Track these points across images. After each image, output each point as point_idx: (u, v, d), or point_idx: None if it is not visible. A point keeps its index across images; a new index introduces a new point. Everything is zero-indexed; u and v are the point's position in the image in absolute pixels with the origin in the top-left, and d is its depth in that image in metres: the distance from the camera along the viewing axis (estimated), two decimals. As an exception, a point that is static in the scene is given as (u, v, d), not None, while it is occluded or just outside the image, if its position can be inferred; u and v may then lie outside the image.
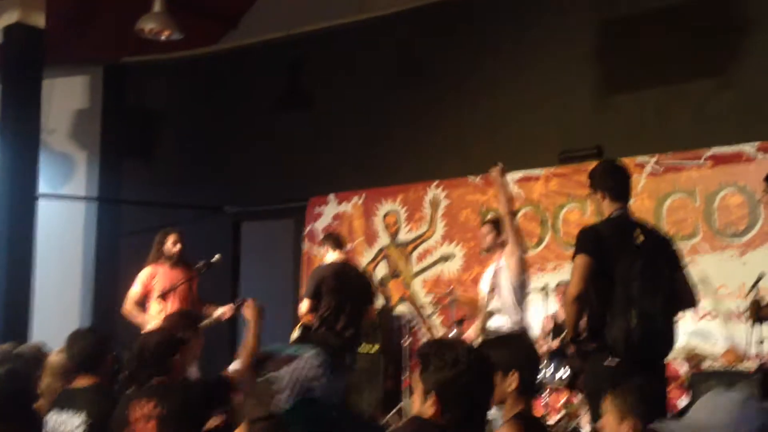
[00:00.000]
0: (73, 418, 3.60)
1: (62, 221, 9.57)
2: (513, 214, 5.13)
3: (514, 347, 2.98)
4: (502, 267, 5.21)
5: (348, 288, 6.27)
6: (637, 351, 3.75)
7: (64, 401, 3.70)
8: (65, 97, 9.86)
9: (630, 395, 2.73)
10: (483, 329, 5.29)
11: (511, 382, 2.82)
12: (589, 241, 3.96)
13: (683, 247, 5.55)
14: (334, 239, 6.61)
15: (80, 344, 3.79)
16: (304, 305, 6.26)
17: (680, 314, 4.16)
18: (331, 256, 6.45)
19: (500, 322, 5.17)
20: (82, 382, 3.76)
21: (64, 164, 9.91)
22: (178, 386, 3.49)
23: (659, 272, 3.86)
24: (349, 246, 8.89)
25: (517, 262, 5.11)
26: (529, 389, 2.89)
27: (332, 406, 1.42)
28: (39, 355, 4.34)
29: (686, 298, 4.02)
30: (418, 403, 2.39)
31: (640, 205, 6.72)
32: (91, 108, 10.14)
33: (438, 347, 2.34)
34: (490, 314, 5.27)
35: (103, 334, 3.99)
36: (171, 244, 6.41)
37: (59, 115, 9.79)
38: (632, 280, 3.80)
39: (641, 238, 3.92)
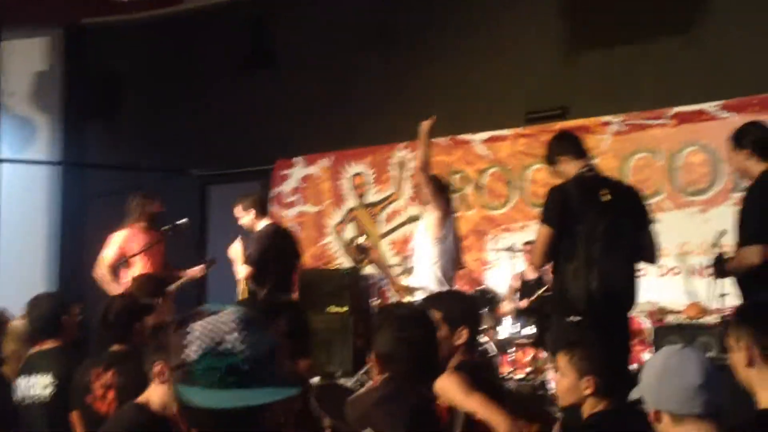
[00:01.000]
0: (41, 380, 3.60)
1: (25, 185, 9.43)
2: (426, 170, 5.04)
3: (462, 303, 3.03)
4: (420, 225, 5.21)
5: (286, 252, 6.23)
6: (598, 310, 3.82)
7: (31, 365, 3.70)
8: (25, 59, 9.66)
9: (590, 352, 2.77)
10: (401, 288, 5.31)
11: (460, 336, 2.86)
12: (553, 206, 4.03)
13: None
14: (261, 205, 6.38)
15: (39, 309, 3.79)
16: (243, 271, 6.03)
17: (642, 270, 4.24)
18: (262, 222, 6.22)
19: (416, 281, 5.17)
20: (46, 345, 3.76)
21: (25, 128, 9.73)
22: (137, 355, 3.43)
23: (623, 231, 3.91)
24: (317, 207, 8.89)
25: (436, 221, 5.04)
26: (475, 344, 2.94)
27: (243, 359, 1.42)
28: (2, 320, 4.31)
29: (647, 255, 4.10)
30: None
31: (604, 165, 6.73)
32: (52, 70, 9.93)
33: (377, 313, 2.47)
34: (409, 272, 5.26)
35: (62, 298, 3.98)
36: (158, 206, 6.28)
37: (19, 77, 9.60)
38: (595, 241, 3.87)
39: (608, 196, 3.97)
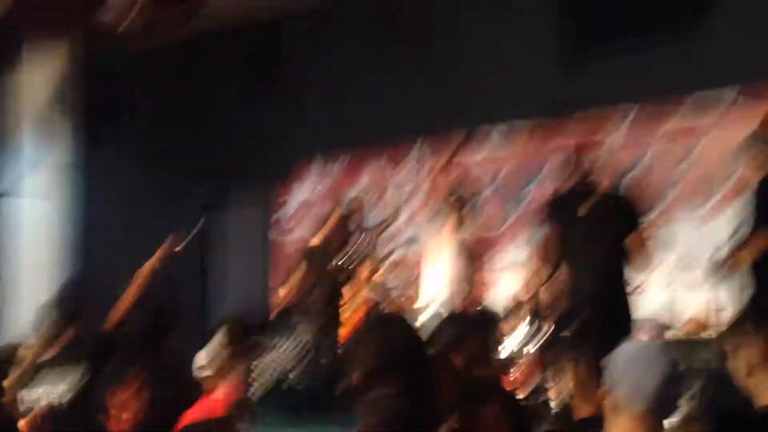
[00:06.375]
0: (53, 390, 3.65)
1: (42, 192, 9.47)
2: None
3: (456, 326, 2.85)
4: (429, 248, 5.35)
5: (320, 271, 6.18)
6: (575, 322, 3.86)
7: (35, 378, 3.75)
8: (44, 68, 9.72)
9: (577, 356, 2.80)
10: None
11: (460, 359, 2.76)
12: (539, 224, 4.15)
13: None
14: (315, 223, 6.51)
15: (45, 317, 3.86)
16: (282, 292, 6.24)
17: (640, 285, 4.26)
18: (315, 240, 6.38)
19: (422, 302, 5.30)
20: (47, 355, 3.83)
21: (43, 135, 9.78)
22: (158, 380, 3.43)
23: (599, 245, 3.93)
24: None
25: (441, 244, 5.20)
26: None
27: (304, 392, 1.47)
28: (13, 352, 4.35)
29: (636, 261, 4.07)
30: None
31: (607, 173, 6.78)
32: (69, 79, 9.99)
33: (369, 327, 2.35)
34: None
35: (68, 306, 4.03)
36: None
37: (38, 87, 9.64)
38: (570, 256, 3.92)
39: (586, 209, 4.01)
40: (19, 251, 8.91)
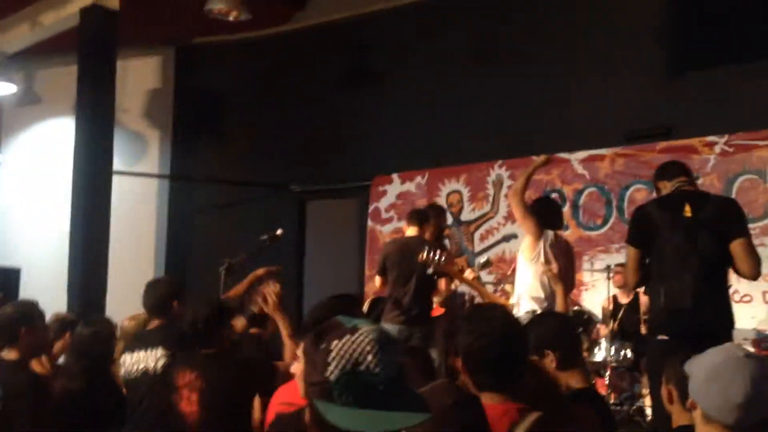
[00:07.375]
0: (151, 354, 3.82)
1: (136, 197, 9.87)
2: (519, 196, 5.07)
3: (547, 326, 2.96)
4: (521, 247, 5.27)
5: (409, 263, 6.20)
6: (667, 329, 3.74)
7: (137, 343, 3.93)
8: (139, 77, 10.14)
9: (668, 363, 2.73)
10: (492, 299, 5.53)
11: (551, 360, 2.83)
12: (633, 226, 4.07)
13: (752, 228, 5.39)
14: (409, 215, 6.56)
15: (153, 290, 4.03)
16: (377, 281, 6.38)
17: (746, 296, 4.10)
18: (409, 232, 6.45)
19: (514, 300, 5.23)
20: (151, 325, 4.00)
21: (137, 142, 10.21)
22: (223, 362, 3.53)
23: (698, 248, 3.78)
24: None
25: (529, 243, 5.11)
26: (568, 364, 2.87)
27: (380, 380, 1.47)
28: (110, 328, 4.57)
29: (742, 268, 3.88)
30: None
31: (709, 186, 6.62)
32: (164, 88, 10.40)
33: (470, 313, 2.39)
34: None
35: (174, 282, 4.23)
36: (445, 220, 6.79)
37: (133, 95, 10.07)
38: (665, 258, 3.80)
39: (689, 212, 3.86)
40: (126, 230, 9.27)
